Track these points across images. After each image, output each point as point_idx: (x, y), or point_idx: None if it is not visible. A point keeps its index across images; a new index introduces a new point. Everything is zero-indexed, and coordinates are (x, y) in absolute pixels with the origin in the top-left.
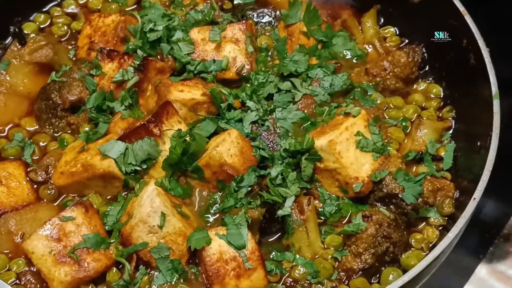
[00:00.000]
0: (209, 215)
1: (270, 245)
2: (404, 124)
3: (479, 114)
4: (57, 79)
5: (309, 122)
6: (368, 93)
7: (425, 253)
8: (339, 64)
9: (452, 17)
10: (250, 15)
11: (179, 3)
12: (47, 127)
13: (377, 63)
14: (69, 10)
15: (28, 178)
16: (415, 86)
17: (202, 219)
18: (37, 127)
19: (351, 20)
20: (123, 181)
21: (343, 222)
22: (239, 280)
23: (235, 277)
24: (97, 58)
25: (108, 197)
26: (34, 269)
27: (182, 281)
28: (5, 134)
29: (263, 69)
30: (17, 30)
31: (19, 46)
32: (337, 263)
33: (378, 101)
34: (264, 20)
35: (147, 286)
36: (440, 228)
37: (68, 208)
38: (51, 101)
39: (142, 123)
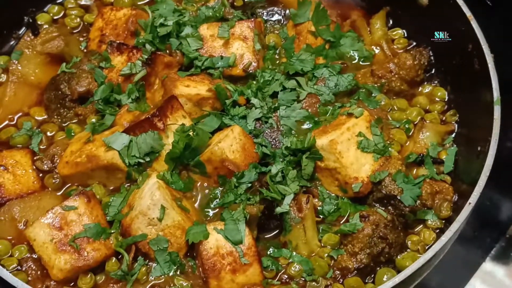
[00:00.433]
0: (209, 210)
1: (268, 242)
2: (407, 126)
3: (480, 119)
4: (67, 70)
5: (313, 121)
6: (373, 94)
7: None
8: (345, 65)
9: (459, 22)
10: (260, 13)
11: None
12: (56, 117)
13: (383, 64)
14: (83, 2)
15: (34, 167)
16: (420, 88)
17: (202, 213)
18: (45, 116)
19: (360, 21)
20: (126, 173)
21: (341, 222)
22: (234, 274)
23: (230, 272)
24: (107, 51)
25: (111, 188)
26: (36, 256)
27: (179, 273)
28: (14, 122)
29: (270, 66)
30: (31, 20)
31: (32, 37)
32: (332, 261)
33: (382, 103)
34: (273, 19)
35: (145, 277)
36: (437, 231)
37: (71, 197)
38: (60, 92)
39: (146, 116)
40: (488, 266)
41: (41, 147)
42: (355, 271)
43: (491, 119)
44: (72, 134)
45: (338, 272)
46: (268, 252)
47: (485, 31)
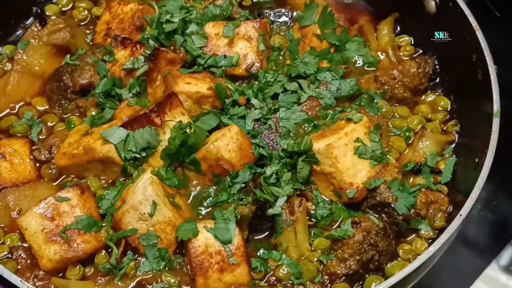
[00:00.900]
0: (202, 208)
1: (259, 243)
2: (407, 134)
3: (480, 130)
4: (71, 62)
5: (312, 124)
6: (375, 101)
7: None
8: (349, 69)
9: (465, 31)
10: (267, 14)
11: None
12: (57, 108)
13: (387, 71)
14: None
15: (32, 156)
16: (423, 97)
17: (195, 211)
18: (47, 107)
19: (367, 26)
20: (121, 167)
21: (334, 227)
22: (222, 274)
23: (218, 271)
24: (111, 45)
25: (109, 181)
26: (27, 245)
27: (167, 269)
28: (15, 111)
29: (273, 68)
30: (39, 11)
31: (39, 27)
32: (322, 266)
33: (384, 109)
34: (280, 20)
35: (133, 271)
36: (430, 241)
37: (64, 189)
38: (62, 83)
39: (144, 112)
40: (493, 271)
41: (40, 137)
42: (344, 277)
43: (489, 131)
44: (72, 125)
45: (326, 277)
46: (258, 253)
47: (491, 41)
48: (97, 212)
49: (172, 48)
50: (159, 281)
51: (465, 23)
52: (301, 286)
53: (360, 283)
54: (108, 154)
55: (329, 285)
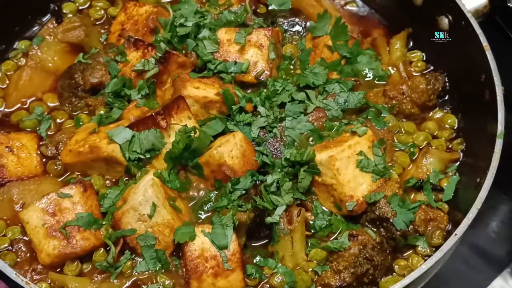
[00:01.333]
0: (202, 212)
1: (256, 250)
2: (412, 150)
3: (484, 150)
4: (83, 60)
5: (317, 135)
6: (382, 115)
7: None
8: (358, 82)
9: (475, 50)
10: (281, 23)
11: (214, 2)
12: (67, 105)
13: (396, 85)
14: None
15: (38, 151)
16: (431, 113)
17: (194, 215)
18: (57, 103)
19: (381, 39)
20: (125, 167)
21: (332, 238)
22: (216, 278)
23: (212, 275)
24: (124, 45)
25: (113, 180)
26: (27, 239)
27: (163, 271)
28: (26, 106)
29: (283, 76)
30: (56, 8)
31: (55, 24)
32: (316, 276)
33: (390, 124)
34: (293, 29)
35: (129, 271)
36: (426, 258)
37: (67, 185)
38: (73, 81)
39: (151, 114)
40: (501, 282)
41: (48, 133)
42: None
43: (491, 152)
44: (81, 123)
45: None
46: (255, 260)
47: (502, 61)
48: (98, 210)
49: (184, 52)
50: (154, 282)
51: (476, 42)
52: None
53: None
54: (113, 153)
55: None
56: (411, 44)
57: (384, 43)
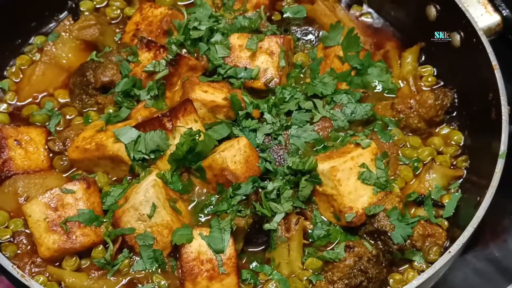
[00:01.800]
0: (202, 215)
1: (253, 255)
2: (416, 164)
3: (486, 169)
4: (96, 58)
5: (322, 145)
6: (389, 128)
7: None
8: (366, 94)
9: (485, 68)
10: (294, 31)
11: (229, 7)
12: (77, 102)
13: (404, 99)
14: None
15: (46, 146)
16: (438, 129)
17: (194, 217)
18: (68, 100)
19: (393, 52)
20: (129, 166)
21: (329, 248)
22: (210, 282)
23: (207, 278)
24: (136, 46)
25: (115, 179)
26: (29, 232)
27: (159, 271)
28: (37, 101)
29: (293, 84)
30: (74, 5)
31: (72, 22)
32: (311, 285)
33: (396, 137)
34: (306, 38)
35: (126, 269)
36: (422, 273)
37: (71, 181)
38: (85, 78)
39: (157, 115)
40: None
41: (57, 128)
42: None
43: (492, 171)
44: (90, 120)
45: None
46: (251, 266)
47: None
48: (100, 207)
49: (195, 55)
50: (149, 281)
51: (486, 60)
52: None
53: None
54: (118, 152)
55: None
56: (423, 58)
57: (396, 55)
